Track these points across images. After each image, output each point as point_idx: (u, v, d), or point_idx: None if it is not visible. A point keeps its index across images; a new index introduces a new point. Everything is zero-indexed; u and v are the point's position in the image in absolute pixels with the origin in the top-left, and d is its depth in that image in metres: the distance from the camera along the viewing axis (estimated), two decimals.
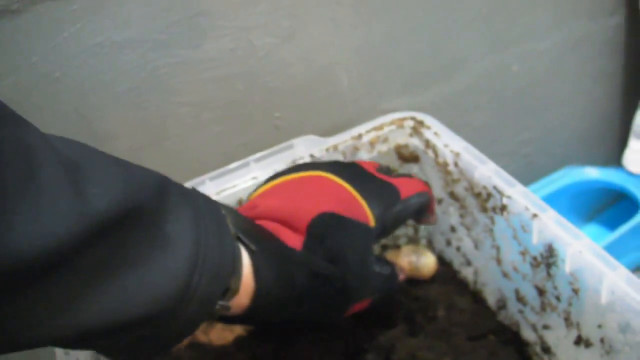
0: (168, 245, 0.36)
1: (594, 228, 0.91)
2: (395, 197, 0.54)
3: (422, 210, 0.57)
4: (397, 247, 0.72)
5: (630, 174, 0.86)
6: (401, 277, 0.56)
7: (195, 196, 0.41)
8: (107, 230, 0.32)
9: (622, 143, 0.90)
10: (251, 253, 0.42)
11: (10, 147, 0.29)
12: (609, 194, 0.90)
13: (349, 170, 0.55)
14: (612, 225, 0.82)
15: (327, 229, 0.47)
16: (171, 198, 0.38)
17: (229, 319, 0.45)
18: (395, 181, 0.56)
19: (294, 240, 0.47)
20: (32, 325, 0.32)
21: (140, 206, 0.35)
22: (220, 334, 0.61)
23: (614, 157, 0.95)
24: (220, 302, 0.40)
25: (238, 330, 0.63)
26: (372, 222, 0.51)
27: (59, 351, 0.50)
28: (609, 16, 0.86)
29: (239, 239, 0.42)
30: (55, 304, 0.32)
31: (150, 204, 0.36)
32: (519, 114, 0.87)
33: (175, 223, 0.37)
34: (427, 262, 0.66)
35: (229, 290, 0.41)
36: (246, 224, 0.44)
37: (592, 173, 0.87)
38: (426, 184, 0.59)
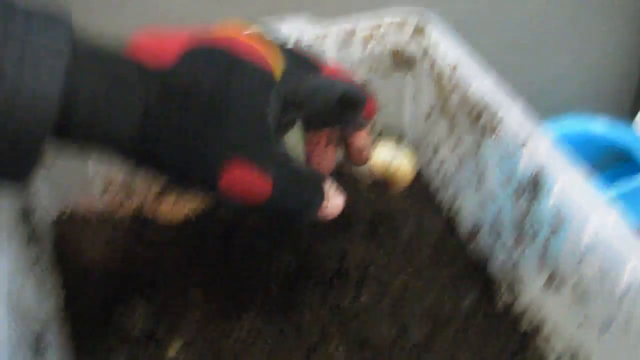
0: None
1: None
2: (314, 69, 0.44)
3: (352, 106, 0.44)
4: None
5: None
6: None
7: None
8: None
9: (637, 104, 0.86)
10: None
11: None
12: (612, 152, 0.85)
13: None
14: (611, 184, 0.78)
15: (207, 61, 0.38)
16: None
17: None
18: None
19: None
20: None
21: None
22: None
23: (626, 115, 0.90)
24: None
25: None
26: (277, 71, 0.40)
27: None
28: None
29: None
30: None
31: None
32: (531, 51, 0.82)
33: None
34: (405, 162, 0.59)
35: None
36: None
37: (598, 127, 0.82)
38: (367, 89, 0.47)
